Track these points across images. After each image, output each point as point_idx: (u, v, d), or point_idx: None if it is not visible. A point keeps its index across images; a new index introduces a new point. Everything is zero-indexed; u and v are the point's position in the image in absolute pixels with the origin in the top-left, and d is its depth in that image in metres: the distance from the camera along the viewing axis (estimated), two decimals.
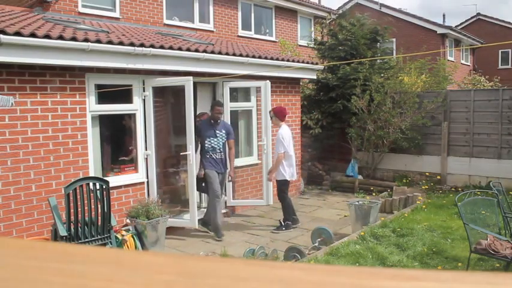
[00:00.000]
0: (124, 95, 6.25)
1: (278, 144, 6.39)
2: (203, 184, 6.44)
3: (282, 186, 6.55)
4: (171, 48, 6.03)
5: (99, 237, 4.82)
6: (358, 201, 6.51)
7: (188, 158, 6.02)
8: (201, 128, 6.32)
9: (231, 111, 7.37)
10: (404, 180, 9.17)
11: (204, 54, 6.42)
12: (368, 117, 9.01)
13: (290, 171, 6.55)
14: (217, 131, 6.29)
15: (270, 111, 6.81)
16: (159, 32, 8.30)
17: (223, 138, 6.31)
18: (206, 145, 6.24)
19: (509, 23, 24.45)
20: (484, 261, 4.81)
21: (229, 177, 6.54)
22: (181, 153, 6.54)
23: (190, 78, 5.89)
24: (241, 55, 7.05)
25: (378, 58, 10.07)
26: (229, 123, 6.91)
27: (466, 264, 4.64)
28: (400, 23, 17.97)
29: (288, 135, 6.52)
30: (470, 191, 5.22)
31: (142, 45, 5.68)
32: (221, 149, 6.29)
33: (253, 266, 0.39)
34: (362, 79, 9.08)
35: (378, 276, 0.36)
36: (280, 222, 6.56)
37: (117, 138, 6.89)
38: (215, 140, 6.25)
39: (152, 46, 5.78)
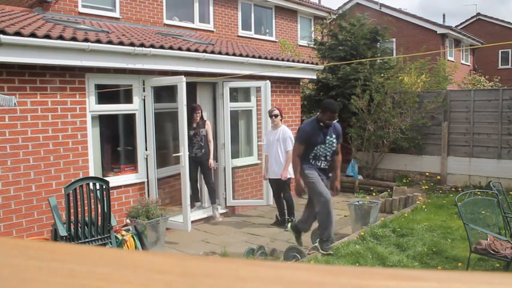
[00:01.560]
0: (124, 95, 6.26)
1: (287, 142, 6.46)
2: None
3: (288, 185, 6.63)
4: (171, 48, 6.03)
5: (99, 237, 4.82)
6: (358, 201, 6.51)
7: (180, 159, 5.99)
8: (308, 132, 5.12)
9: (231, 111, 7.37)
10: (404, 180, 9.17)
11: (204, 54, 6.42)
12: (368, 117, 9.01)
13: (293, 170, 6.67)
14: (328, 137, 5.14)
15: (272, 111, 6.67)
16: (159, 32, 8.30)
17: (333, 145, 5.18)
18: (311, 153, 5.12)
19: (509, 23, 24.45)
20: (484, 261, 4.81)
21: (334, 191, 5.34)
22: (173, 155, 6.54)
23: (183, 77, 5.84)
24: (241, 55, 7.06)
25: (378, 58, 10.07)
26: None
27: (466, 264, 4.64)
28: (400, 23, 17.99)
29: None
30: (470, 191, 5.22)
31: (142, 45, 5.68)
32: (327, 157, 5.18)
33: (253, 266, 0.39)
34: (362, 79, 9.09)
35: (378, 276, 0.36)
36: (288, 220, 6.59)
37: (117, 138, 6.89)
38: (323, 147, 5.12)
39: (152, 46, 5.78)
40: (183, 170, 5.95)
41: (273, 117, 6.61)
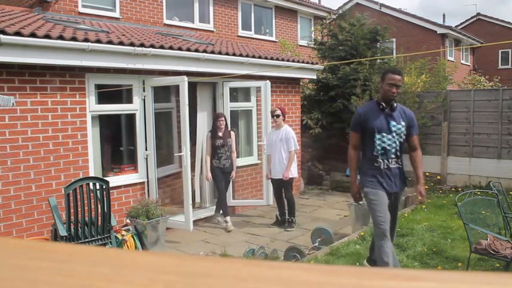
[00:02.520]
0: (124, 95, 6.26)
1: (290, 142, 6.49)
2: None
3: (291, 185, 6.69)
4: (171, 48, 6.03)
5: (99, 237, 4.82)
6: None
7: (182, 159, 6.00)
8: (363, 113, 3.85)
9: (231, 111, 7.37)
10: None
11: (204, 54, 6.42)
12: None
13: (296, 169, 6.80)
14: (393, 123, 3.78)
15: (274, 111, 6.64)
16: (159, 32, 8.30)
17: (402, 134, 3.83)
18: (375, 146, 3.78)
19: (509, 23, 24.45)
20: (484, 261, 4.81)
21: (418, 197, 3.98)
22: (175, 154, 6.52)
23: (185, 78, 5.85)
24: (241, 55, 7.06)
25: (378, 58, 10.07)
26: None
27: (466, 264, 4.64)
28: (400, 23, 17.99)
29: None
30: (470, 191, 5.22)
31: (142, 45, 5.68)
32: (398, 153, 3.82)
33: (253, 266, 0.39)
34: (362, 79, 9.09)
35: (378, 276, 0.36)
36: (288, 220, 6.63)
37: (117, 138, 6.89)
38: (388, 138, 3.76)
39: (152, 46, 5.78)
40: (185, 169, 5.97)
41: (275, 118, 6.60)
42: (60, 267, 0.37)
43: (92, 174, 5.56)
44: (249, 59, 7.11)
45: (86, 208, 4.71)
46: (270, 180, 6.85)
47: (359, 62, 9.25)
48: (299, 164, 8.89)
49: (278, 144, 6.54)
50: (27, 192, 5.08)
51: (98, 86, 5.78)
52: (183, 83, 5.83)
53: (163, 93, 7.10)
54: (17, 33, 4.60)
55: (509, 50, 24.01)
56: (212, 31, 11.05)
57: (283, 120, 6.66)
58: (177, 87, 6.15)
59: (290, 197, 6.66)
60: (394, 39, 17.28)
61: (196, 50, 6.39)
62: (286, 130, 6.57)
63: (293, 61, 8.20)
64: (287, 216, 6.66)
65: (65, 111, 5.40)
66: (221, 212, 6.88)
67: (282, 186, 6.62)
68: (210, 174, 6.60)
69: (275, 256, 5.19)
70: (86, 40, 5.14)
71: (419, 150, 3.99)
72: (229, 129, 6.80)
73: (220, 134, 6.55)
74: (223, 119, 6.59)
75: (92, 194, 4.74)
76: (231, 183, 7.16)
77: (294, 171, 6.63)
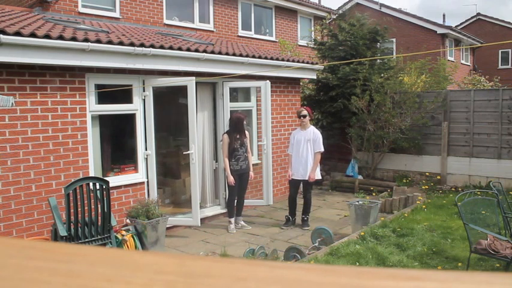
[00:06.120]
0: (124, 95, 6.26)
1: (319, 142, 6.47)
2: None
3: (312, 185, 6.77)
4: (171, 48, 6.03)
5: (99, 237, 4.82)
6: (358, 201, 6.51)
7: (190, 156, 6.06)
8: None
9: (231, 111, 7.37)
10: (404, 180, 9.16)
11: (204, 54, 6.42)
12: (368, 117, 9.01)
13: (319, 171, 6.79)
14: None
15: (301, 112, 6.54)
16: (159, 32, 8.30)
17: None
18: None
19: (509, 23, 24.45)
20: (484, 261, 4.81)
21: None
22: (184, 152, 6.55)
23: (193, 78, 5.92)
24: (241, 55, 7.06)
25: (378, 58, 10.07)
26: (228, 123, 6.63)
27: (466, 264, 4.64)
28: (400, 23, 17.98)
29: None
30: (470, 191, 5.22)
31: (142, 45, 5.68)
32: None
33: (253, 266, 0.39)
34: (362, 79, 9.09)
35: (378, 276, 0.36)
36: (304, 218, 6.66)
37: (117, 138, 6.89)
38: None
39: (152, 46, 5.78)
40: (193, 166, 6.05)
41: (302, 118, 6.55)
42: (60, 267, 0.37)
43: (92, 174, 5.56)
44: (249, 59, 7.11)
45: (86, 208, 4.71)
46: (270, 180, 6.85)
47: (359, 62, 9.25)
48: None
49: (305, 145, 6.47)
50: (27, 192, 5.08)
51: (98, 86, 5.78)
52: (191, 83, 5.87)
53: (164, 93, 7.09)
54: (17, 33, 4.60)
55: (509, 50, 24.01)
56: (212, 31, 11.05)
57: (310, 120, 6.67)
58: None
59: (310, 197, 6.69)
60: (394, 39, 17.30)
61: (196, 50, 6.39)
62: (313, 131, 6.55)
63: (293, 61, 8.20)
64: (302, 215, 6.66)
65: (65, 111, 5.40)
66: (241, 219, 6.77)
67: (304, 187, 6.63)
68: (232, 178, 6.36)
69: (275, 256, 5.19)
70: (86, 40, 5.14)
71: None
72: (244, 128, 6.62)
73: (237, 134, 6.42)
74: (245, 121, 6.53)
75: (92, 194, 4.74)
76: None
77: (318, 173, 6.58)
